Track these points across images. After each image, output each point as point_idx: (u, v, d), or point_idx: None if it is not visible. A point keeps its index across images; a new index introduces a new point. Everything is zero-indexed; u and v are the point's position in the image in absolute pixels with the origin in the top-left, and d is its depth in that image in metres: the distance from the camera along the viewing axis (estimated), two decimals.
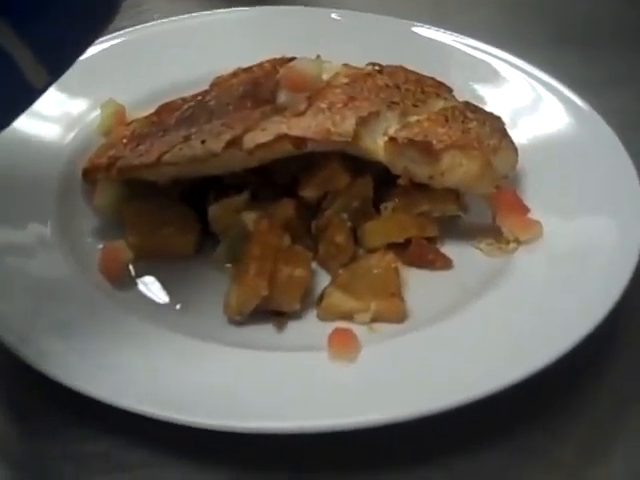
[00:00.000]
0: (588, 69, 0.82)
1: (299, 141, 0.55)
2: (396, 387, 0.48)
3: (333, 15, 0.79)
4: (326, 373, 0.50)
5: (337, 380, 0.49)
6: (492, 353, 0.50)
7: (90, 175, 0.61)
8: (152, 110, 0.65)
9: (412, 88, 0.61)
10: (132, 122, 0.65)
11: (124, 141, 0.62)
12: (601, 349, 0.53)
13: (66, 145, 0.64)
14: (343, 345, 0.51)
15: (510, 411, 0.50)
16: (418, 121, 0.58)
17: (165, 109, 0.64)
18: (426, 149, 0.56)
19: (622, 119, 0.71)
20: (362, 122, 0.56)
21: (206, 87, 0.66)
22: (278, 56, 0.66)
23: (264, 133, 0.55)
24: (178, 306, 0.55)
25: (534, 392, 0.49)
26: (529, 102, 0.69)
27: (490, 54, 0.73)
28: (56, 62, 0.42)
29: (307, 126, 0.56)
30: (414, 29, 0.76)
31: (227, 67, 0.67)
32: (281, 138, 0.55)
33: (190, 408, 0.47)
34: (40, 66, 0.41)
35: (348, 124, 0.56)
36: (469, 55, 0.74)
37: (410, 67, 0.64)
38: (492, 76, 0.71)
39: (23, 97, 0.42)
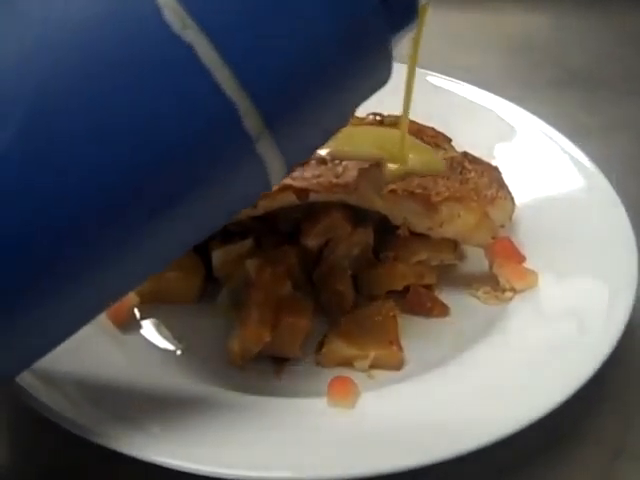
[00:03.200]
0: (589, 113, 0.84)
1: (302, 192, 0.57)
2: (394, 436, 0.49)
3: None
4: (325, 420, 0.51)
5: (336, 428, 0.50)
6: (488, 402, 0.51)
7: None
8: None
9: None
10: None
11: None
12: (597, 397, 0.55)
13: None
14: (342, 393, 0.52)
15: (504, 459, 0.51)
16: None
17: None
18: (425, 201, 0.57)
19: (620, 164, 0.73)
20: (363, 174, 0.58)
21: None
22: None
23: None
24: (180, 350, 0.57)
25: (529, 439, 0.50)
26: (538, 156, 0.70)
27: (498, 105, 0.76)
28: (295, 164, 0.45)
29: (310, 177, 0.57)
30: (428, 78, 0.79)
31: None
32: (285, 189, 0.57)
33: (185, 453, 0.47)
34: (284, 173, 0.44)
35: (349, 176, 0.58)
36: (477, 105, 0.76)
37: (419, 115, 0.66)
38: (498, 127, 0.73)
39: (260, 192, 0.45)
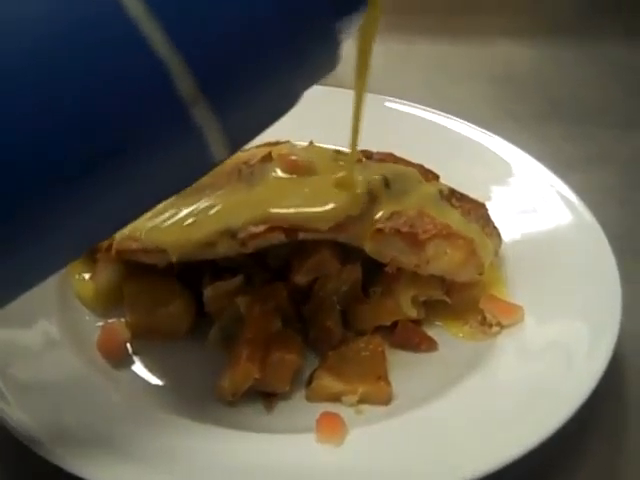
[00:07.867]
0: (571, 145, 0.86)
1: (291, 231, 0.58)
2: (382, 473, 0.50)
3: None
4: (313, 458, 0.51)
5: (324, 465, 0.51)
6: (475, 437, 0.52)
7: (91, 254, 0.63)
8: None
9: None
10: None
11: None
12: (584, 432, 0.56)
13: None
14: (330, 429, 0.53)
15: None
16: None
17: None
18: (412, 239, 0.58)
19: (602, 195, 0.75)
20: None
21: None
22: (270, 138, 0.69)
23: None
24: (171, 385, 0.57)
25: (519, 469, 0.50)
26: (524, 191, 0.72)
27: (486, 139, 0.76)
28: (239, 142, 0.43)
29: None
30: (414, 112, 0.80)
31: None
32: (274, 228, 0.57)
33: None
34: (227, 147, 0.42)
35: None
36: (464, 139, 0.77)
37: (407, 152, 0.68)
38: (486, 162, 0.74)
39: (202, 169, 0.43)
